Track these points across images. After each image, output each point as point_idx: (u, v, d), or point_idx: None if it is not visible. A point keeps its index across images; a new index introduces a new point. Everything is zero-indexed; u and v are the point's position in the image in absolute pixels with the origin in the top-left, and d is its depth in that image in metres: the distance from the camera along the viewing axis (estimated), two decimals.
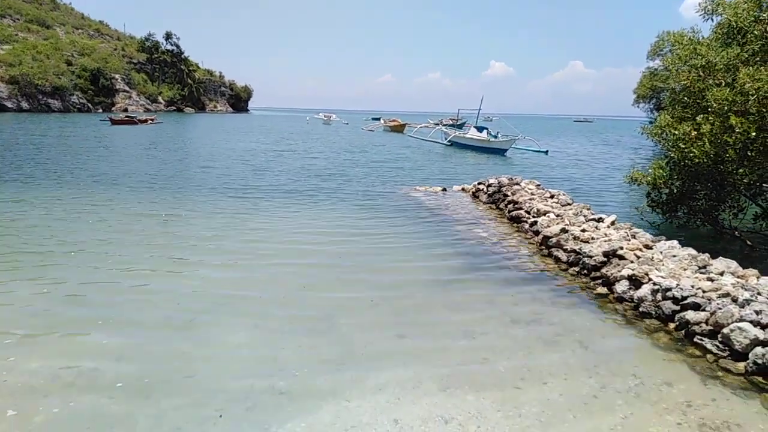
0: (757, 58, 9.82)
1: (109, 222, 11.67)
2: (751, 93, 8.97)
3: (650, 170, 11.73)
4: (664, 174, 11.15)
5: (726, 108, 9.34)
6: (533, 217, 11.51)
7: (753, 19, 9.67)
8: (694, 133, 9.95)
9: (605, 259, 8.19)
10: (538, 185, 14.32)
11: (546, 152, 36.70)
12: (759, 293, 6.13)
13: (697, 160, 9.83)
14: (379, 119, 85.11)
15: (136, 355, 5.61)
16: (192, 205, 14.17)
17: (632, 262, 7.79)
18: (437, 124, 55.32)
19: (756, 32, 9.60)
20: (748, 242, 10.15)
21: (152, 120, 58.45)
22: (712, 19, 10.99)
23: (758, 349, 5.24)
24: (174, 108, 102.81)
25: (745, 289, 6.26)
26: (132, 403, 4.69)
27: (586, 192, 18.88)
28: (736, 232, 10.63)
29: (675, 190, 11.20)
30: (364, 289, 7.86)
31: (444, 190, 17.76)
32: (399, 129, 61.63)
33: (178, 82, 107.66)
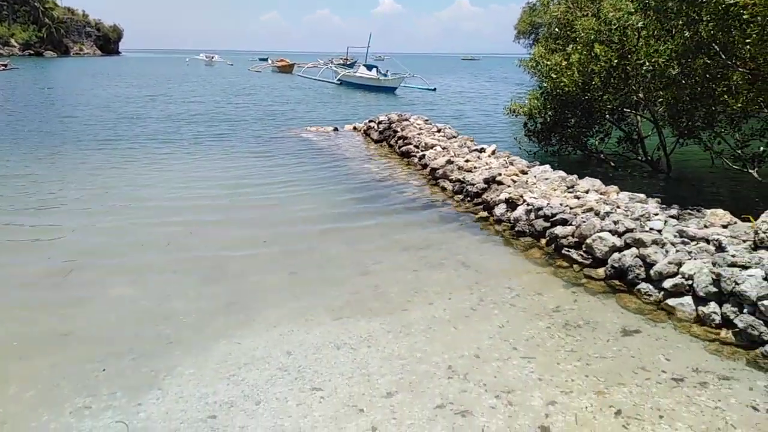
0: None
1: None
2: (613, 22, 9.60)
3: (527, 101, 12.37)
4: (539, 104, 11.83)
5: (592, 37, 9.94)
6: (421, 150, 11.78)
7: None
8: (564, 62, 10.54)
9: (486, 185, 8.64)
10: (426, 120, 14.60)
11: (434, 89, 37.33)
12: (618, 206, 6.81)
13: (567, 89, 10.48)
14: (266, 59, 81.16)
15: (4, 317, 5.10)
16: (59, 159, 12.80)
17: (509, 186, 8.30)
18: (327, 64, 53.92)
19: None
20: (612, 163, 11.19)
21: (4, 66, 51.05)
22: None
23: (615, 255, 5.87)
24: (32, 52, 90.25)
25: (606, 204, 6.92)
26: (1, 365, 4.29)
27: (471, 125, 19.61)
28: (602, 155, 11.65)
29: (548, 119, 11.95)
30: (255, 230, 7.68)
31: (335, 129, 17.56)
32: (287, 69, 59.38)
33: (33, 22, 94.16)
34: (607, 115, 11.28)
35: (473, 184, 8.87)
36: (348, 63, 51.71)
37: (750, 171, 8.21)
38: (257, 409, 3.76)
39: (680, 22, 8.53)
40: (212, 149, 14.06)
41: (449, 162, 10.10)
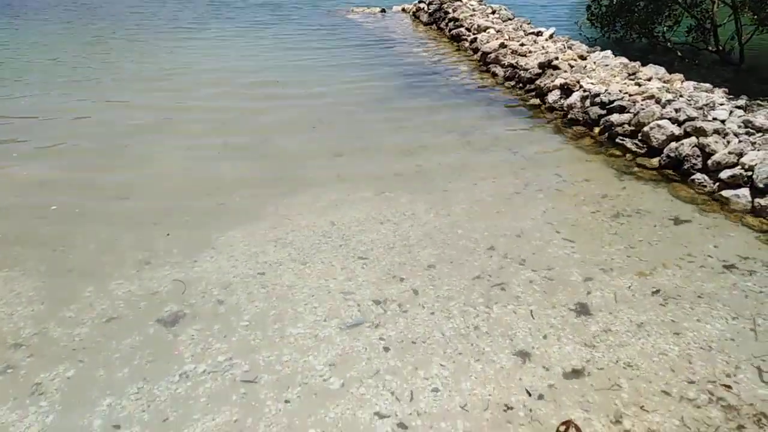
0: None
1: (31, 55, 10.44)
2: None
3: None
4: None
5: None
6: (474, 33, 11.11)
7: None
8: None
9: (540, 70, 8.17)
10: (480, 1, 13.62)
11: None
12: (681, 95, 6.36)
13: None
14: None
15: (67, 184, 5.41)
16: (112, 38, 12.78)
17: (566, 72, 7.82)
18: None
19: None
20: (679, 53, 10.31)
21: None
22: None
23: (672, 144, 5.58)
24: None
25: (669, 92, 6.47)
26: (66, 225, 4.62)
27: (529, 7, 18.15)
28: (670, 44, 10.72)
29: (614, 2, 10.92)
30: (304, 112, 7.64)
31: (383, 11, 16.66)
32: None
33: None
34: (679, 0, 10.19)
35: (527, 69, 8.40)
36: None
37: None
38: (304, 269, 3.96)
39: None
40: (259, 31, 13.64)
41: (502, 45, 9.52)
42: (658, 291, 3.66)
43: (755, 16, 8.77)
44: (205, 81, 8.94)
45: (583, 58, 8.48)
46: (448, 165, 5.98)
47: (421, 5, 15.16)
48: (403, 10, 16.64)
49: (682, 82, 7.08)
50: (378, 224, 4.71)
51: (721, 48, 10.13)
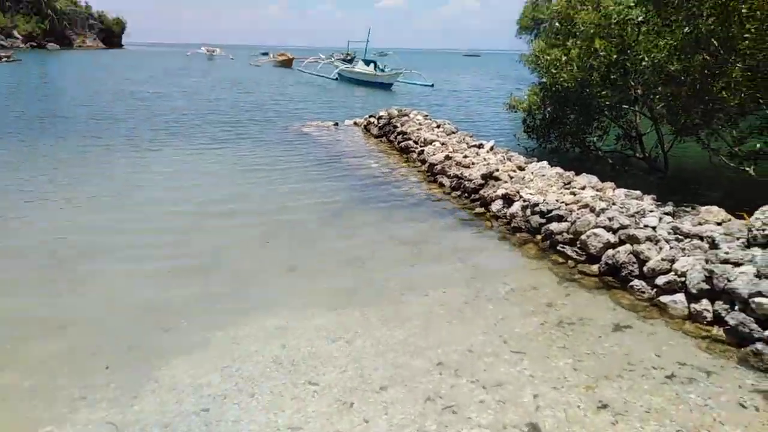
0: None
1: None
2: (613, 17, 9.58)
3: (526, 97, 12.36)
4: (538, 100, 11.81)
5: (591, 32, 9.93)
6: (421, 146, 11.78)
7: None
8: (564, 57, 10.53)
9: (483, 181, 8.66)
10: (426, 116, 14.58)
11: (432, 85, 37.15)
12: (613, 203, 6.82)
13: (566, 85, 10.48)
14: (267, 54, 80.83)
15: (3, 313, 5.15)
16: (60, 151, 12.82)
17: (506, 182, 8.31)
18: (329, 59, 53.74)
19: None
20: (610, 161, 11.17)
21: (7, 57, 50.88)
22: None
23: (609, 251, 5.89)
24: (34, 44, 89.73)
25: (602, 200, 6.93)
26: None
27: (470, 121, 19.58)
28: (600, 153, 11.65)
29: (547, 116, 11.94)
30: (258, 229, 7.71)
31: (336, 124, 17.55)
32: (288, 64, 59.20)
33: (36, 14, 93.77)
34: (606, 112, 11.27)
35: (471, 180, 8.89)
36: (348, 58, 51.48)
37: (746, 169, 8.21)
38: (251, 401, 3.80)
39: (680, 17, 8.51)
40: (212, 143, 14.02)
41: (447, 157, 10.11)
42: (606, 406, 3.68)
43: (673, 127, 9.72)
44: (156, 200, 8.92)
45: (521, 168, 9.08)
46: (400, 277, 6.08)
47: (372, 119, 16.09)
48: (355, 123, 17.57)
49: (614, 190, 7.61)
50: (330, 344, 4.64)
51: (647, 155, 11.06)
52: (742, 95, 8.08)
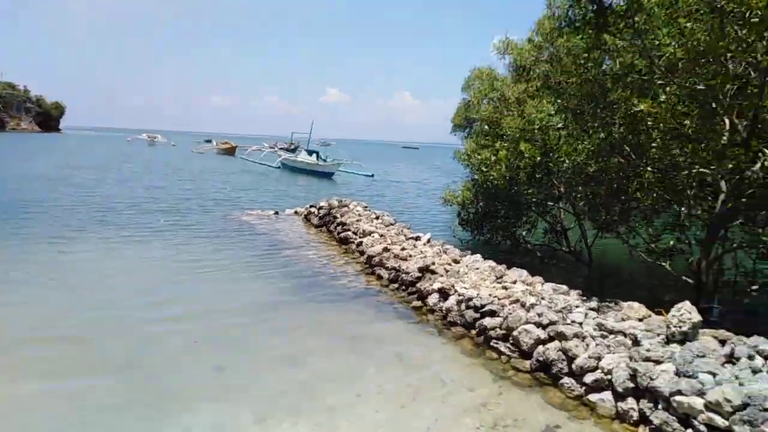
0: (540, 93, 11.45)
1: None
2: (536, 123, 10.40)
3: (460, 192, 12.92)
4: (471, 195, 12.37)
5: (517, 135, 10.69)
6: (360, 237, 11.90)
7: (534, 60, 11.29)
8: (493, 158, 11.20)
9: (420, 274, 8.76)
10: (366, 207, 14.88)
11: (372, 176, 38.34)
12: (542, 298, 7.03)
13: (496, 182, 11.06)
14: (210, 141, 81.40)
15: None
16: None
17: (442, 276, 8.44)
18: (272, 148, 54.73)
19: (537, 71, 11.22)
20: (538, 254, 11.65)
21: None
22: (505, 58, 12.60)
23: (540, 348, 5.98)
24: None
25: (532, 295, 7.13)
26: None
27: (408, 213, 20.12)
28: (529, 246, 12.15)
29: (479, 210, 12.48)
30: (185, 320, 7.35)
31: (276, 213, 17.55)
32: (231, 152, 59.74)
33: None
34: (533, 207, 11.91)
35: (408, 273, 8.97)
36: (291, 148, 52.65)
37: (663, 264, 8.76)
38: None
39: (595, 124, 9.36)
40: (145, 234, 13.51)
41: (386, 250, 10.23)
42: None
43: (594, 223, 10.35)
44: (75, 301, 8.19)
45: (456, 261, 9.29)
46: (335, 375, 5.89)
47: (312, 209, 16.22)
48: (296, 212, 17.64)
49: (542, 284, 7.88)
50: None
51: (572, 249, 11.63)
52: (654, 195, 8.79)
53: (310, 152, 39.75)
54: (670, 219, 9.72)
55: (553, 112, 10.14)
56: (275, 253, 11.89)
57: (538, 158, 10.27)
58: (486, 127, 12.32)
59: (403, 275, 9.04)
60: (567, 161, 9.72)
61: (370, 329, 7.39)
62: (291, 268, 10.56)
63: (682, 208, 8.60)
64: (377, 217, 13.58)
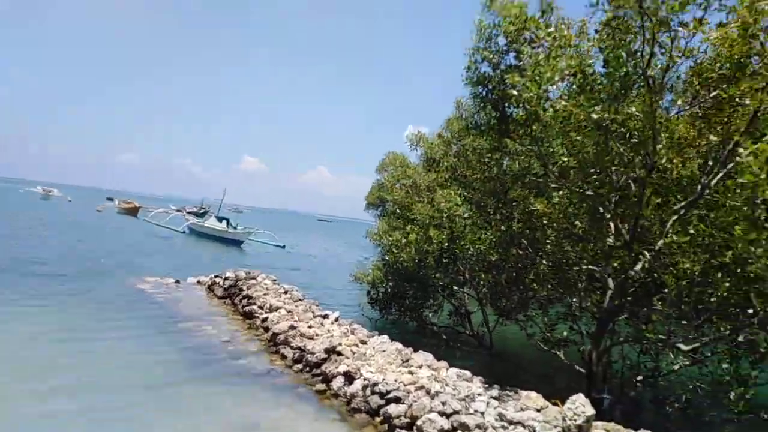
0: (448, 183, 12.18)
1: None
2: (444, 211, 10.96)
3: (371, 271, 13.08)
4: (381, 275, 12.56)
5: (427, 221, 11.18)
6: (266, 312, 11.53)
7: (443, 153, 12.11)
8: (404, 240, 11.57)
9: (326, 355, 8.58)
10: (274, 280, 14.54)
11: (283, 246, 37.83)
12: (447, 384, 7.12)
13: (405, 264, 11.37)
14: (112, 199, 76.93)
15: None
16: None
17: (348, 358, 8.33)
18: (179, 211, 52.65)
19: (446, 164, 11.99)
20: (444, 336, 11.91)
21: None
22: (417, 149, 13.39)
23: None
24: None
25: (437, 381, 7.21)
26: None
27: (318, 288, 19.87)
28: (435, 327, 12.40)
29: (389, 290, 12.66)
30: (68, 400, 6.60)
31: (177, 282, 16.62)
32: (133, 212, 56.61)
33: None
34: (440, 291, 12.29)
35: (313, 353, 8.76)
36: (201, 212, 50.95)
37: (557, 353, 9.27)
38: None
39: (497, 217, 10.04)
40: (28, 301, 12.07)
41: (292, 327, 9.97)
42: None
43: (495, 310, 10.83)
44: None
45: (364, 342, 9.23)
46: None
47: (218, 279, 15.57)
48: (199, 282, 16.83)
49: (447, 369, 8.01)
50: None
51: (475, 333, 12.01)
52: (549, 287, 9.43)
53: (220, 218, 38.49)
54: (563, 309, 10.41)
55: (459, 203, 10.79)
56: (171, 326, 11.16)
57: (446, 244, 10.75)
58: (398, 210, 12.79)
59: (309, 356, 8.80)
60: (472, 249, 10.26)
61: (268, 416, 7.02)
62: (187, 344, 9.93)
63: (575, 300, 9.27)
64: (286, 292, 13.30)
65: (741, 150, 5.26)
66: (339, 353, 8.55)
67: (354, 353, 8.57)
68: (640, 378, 8.29)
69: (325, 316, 11.02)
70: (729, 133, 6.66)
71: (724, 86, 6.61)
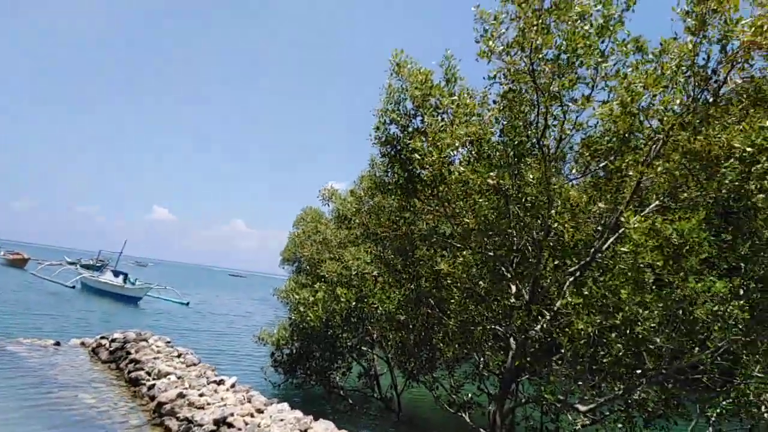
0: (359, 241, 12.03)
1: None
2: (353, 269, 10.72)
3: (276, 331, 12.41)
4: (287, 335, 11.93)
5: (335, 279, 10.87)
6: (153, 379, 10.46)
7: (355, 210, 12.01)
8: (311, 298, 11.14)
9: (215, 427, 7.81)
10: (168, 342, 13.38)
11: (187, 304, 35.55)
12: None
13: (312, 324, 10.88)
14: None
15: None
16: None
17: (241, 429, 7.61)
18: (73, 264, 48.42)
19: (357, 221, 11.88)
20: (350, 401, 11.36)
21: None
22: (329, 205, 13.22)
23: None
24: None
25: None
26: None
27: (219, 349, 18.58)
28: (342, 392, 11.83)
29: (294, 351, 12.01)
30: None
31: (57, 344, 14.86)
32: (21, 264, 51.44)
33: None
34: (348, 352, 11.84)
35: (202, 425, 7.93)
36: (97, 265, 47.11)
37: (463, 415, 9.06)
38: None
39: (405, 276, 9.94)
40: None
41: (180, 395, 9.06)
42: None
43: (403, 371, 10.53)
44: None
45: (260, 411, 8.53)
46: None
47: (103, 341, 14.11)
48: (83, 344, 15.16)
49: None
50: None
51: (384, 396, 11.58)
52: (457, 346, 9.33)
53: (116, 273, 35.41)
54: (470, 369, 10.32)
55: (369, 261, 10.62)
56: (43, 395, 9.80)
57: (354, 303, 10.46)
58: (307, 266, 12.40)
59: (195, 428, 7.96)
60: (380, 308, 10.02)
61: None
62: (58, 417, 8.70)
63: (482, 359, 9.21)
64: (179, 355, 12.23)
65: (622, 219, 5.52)
66: (230, 425, 7.81)
67: (247, 424, 7.85)
68: None
69: (221, 382, 10.16)
70: (617, 201, 7.07)
71: (611, 158, 7.07)
